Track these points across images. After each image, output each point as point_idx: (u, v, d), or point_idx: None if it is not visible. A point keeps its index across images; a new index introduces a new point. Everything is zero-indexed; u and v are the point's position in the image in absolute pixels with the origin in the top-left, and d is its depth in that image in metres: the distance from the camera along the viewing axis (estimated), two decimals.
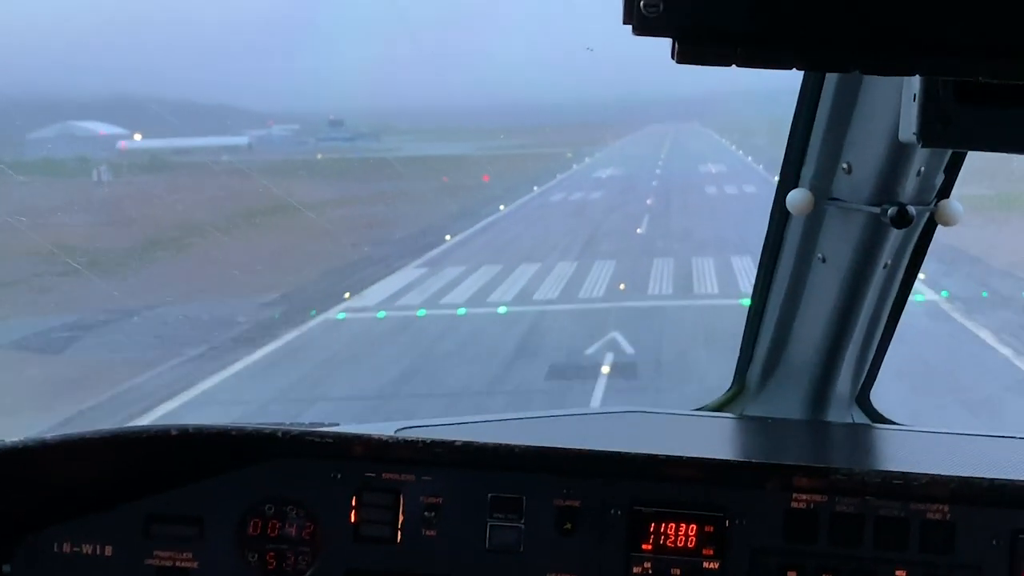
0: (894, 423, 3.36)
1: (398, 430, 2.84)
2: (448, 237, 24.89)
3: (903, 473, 2.59)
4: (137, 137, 22.30)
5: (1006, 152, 1.88)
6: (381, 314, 16.98)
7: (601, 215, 29.47)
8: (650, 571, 2.64)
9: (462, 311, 17.00)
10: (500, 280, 19.20)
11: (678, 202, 31.87)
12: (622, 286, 18.52)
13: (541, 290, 18.41)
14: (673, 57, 1.21)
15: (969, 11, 1.18)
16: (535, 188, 36.16)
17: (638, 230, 25.75)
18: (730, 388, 3.53)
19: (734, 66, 1.23)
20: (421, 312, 17.03)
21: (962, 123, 1.82)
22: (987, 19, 1.18)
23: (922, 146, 1.89)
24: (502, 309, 16.84)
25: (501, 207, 30.92)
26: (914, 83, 1.86)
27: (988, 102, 1.80)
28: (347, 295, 18.13)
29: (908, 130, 1.88)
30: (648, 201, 32.72)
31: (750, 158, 38.70)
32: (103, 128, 22.28)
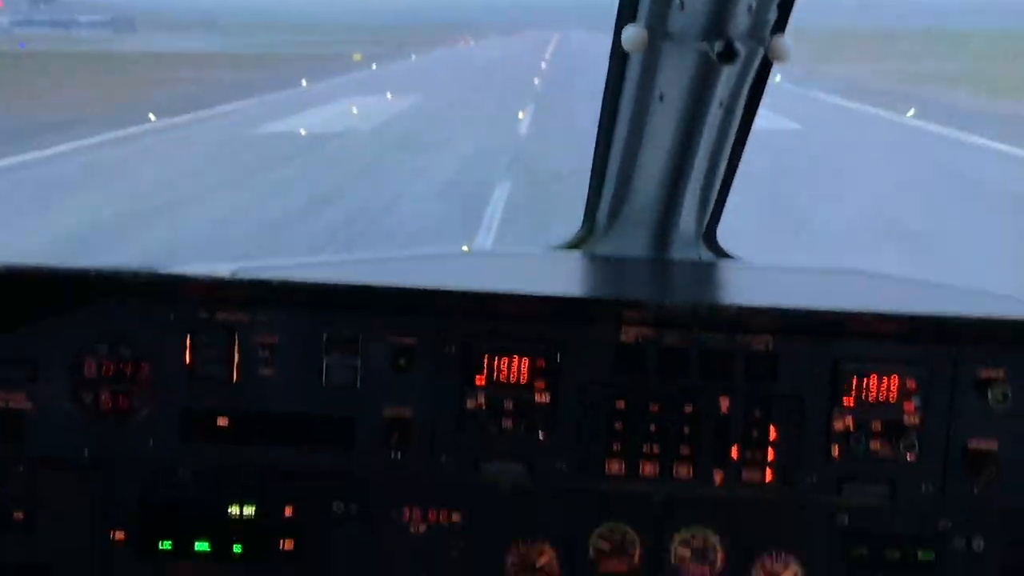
0: (737, 259, 3.44)
1: (235, 271, 2.82)
2: None
3: (726, 305, 2.66)
4: None
5: None
6: None
7: None
8: (483, 404, 2.70)
9: None
10: None
11: None
12: None
13: None
14: None
15: None
16: None
17: None
18: (581, 228, 3.57)
19: None
20: None
21: None
22: None
23: None
24: None
25: None
26: None
27: None
28: None
29: None
30: None
31: None
32: None
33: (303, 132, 23.25)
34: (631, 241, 3.39)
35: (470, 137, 22.40)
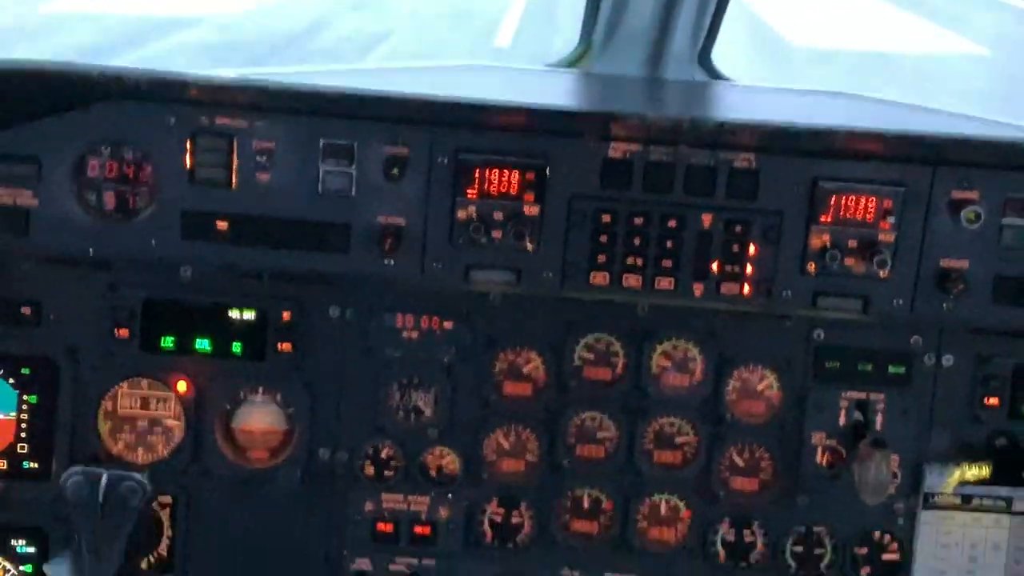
0: (730, 80, 3.47)
1: (236, 77, 2.86)
2: None
3: (707, 119, 2.70)
4: None
5: None
6: None
7: None
8: (474, 215, 2.78)
9: None
10: None
11: None
12: None
13: None
14: None
15: None
16: None
17: None
18: (577, 46, 3.59)
19: None
20: None
21: None
22: None
23: None
24: None
25: None
26: None
27: None
28: None
29: None
30: None
31: None
32: None
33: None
34: (627, 60, 3.42)
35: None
